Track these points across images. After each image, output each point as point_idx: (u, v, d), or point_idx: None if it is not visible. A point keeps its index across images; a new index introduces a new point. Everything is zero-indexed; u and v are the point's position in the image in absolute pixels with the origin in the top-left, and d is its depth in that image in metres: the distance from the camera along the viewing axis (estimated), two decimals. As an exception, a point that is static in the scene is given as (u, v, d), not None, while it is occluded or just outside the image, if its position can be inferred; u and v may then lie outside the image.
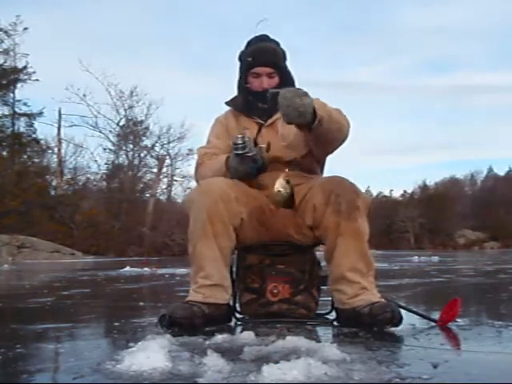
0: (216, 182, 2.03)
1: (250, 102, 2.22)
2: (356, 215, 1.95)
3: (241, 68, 2.25)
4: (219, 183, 2.02)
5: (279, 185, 1.91)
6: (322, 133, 1.94)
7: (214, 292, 1.96)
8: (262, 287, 2.13)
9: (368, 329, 1.85)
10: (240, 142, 1.98)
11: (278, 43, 2.27)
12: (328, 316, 2.15)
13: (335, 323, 2.04)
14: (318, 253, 2.25)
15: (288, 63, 2.26)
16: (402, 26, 63.48)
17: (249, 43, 2.25)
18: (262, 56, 2.17)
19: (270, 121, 2.20)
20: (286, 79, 2.19)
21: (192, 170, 2.40)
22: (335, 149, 2.13)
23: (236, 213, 2.00)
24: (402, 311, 2.16)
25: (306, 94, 1.83)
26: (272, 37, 2.28)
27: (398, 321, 1.87)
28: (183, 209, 2.16)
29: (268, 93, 1.94)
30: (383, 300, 1.94)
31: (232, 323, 2.11)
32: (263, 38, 2.24)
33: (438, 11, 63.31)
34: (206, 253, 1.97)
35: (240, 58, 2.26)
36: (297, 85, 2.20)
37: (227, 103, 2.32)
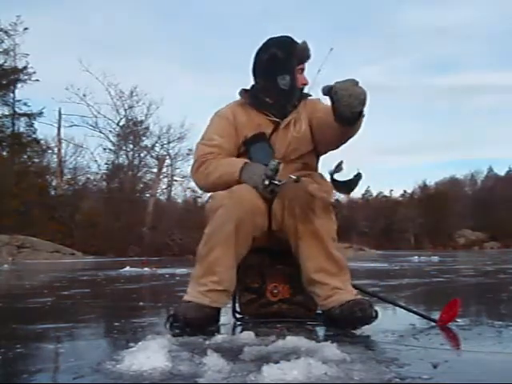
0: (247, 191, 1.99)
1: (283, 95, 2.17)
2: (311, 217, 1.94)
3: (284, 65, 2.16)
4: (251, 194, 1.98)
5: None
6: (356, 127, 1.95)
7: (221, 297, 1.96)
8: (262, 287, 2.13)
9: (367, 328, 1.86)
10: (274, 165, 1.95)
11: None
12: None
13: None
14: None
15: None
16: (402, 26, 63.45)
17: (280, 39, 2.21)
18: (309, 51, 2.20)
19: (286, 120, 2.18)
20: None
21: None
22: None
23: (261, 226, 2.01)
24: (403, 311, 2.16)
25: (358, 82, 1.83)
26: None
27: (370, 319, 1.85)
28: (206, 209, 2.06)
29: (323, 88, 1.86)
30: (358, 298, 1.92)
31: (230, 323, 2.11)
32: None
33: (439, 11, 63.21)
34: (223, 260, 1.94)
35: (270, 53, 2.18)
36: None
37: (241, 94, 2.25)
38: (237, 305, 2.20)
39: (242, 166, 2.04)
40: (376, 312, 1.87)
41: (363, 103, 1.81)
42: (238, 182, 2.03)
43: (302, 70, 2.21)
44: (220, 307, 1.98)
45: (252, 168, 2.02)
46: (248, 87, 2.27)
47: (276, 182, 1.96)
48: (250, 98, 2.23)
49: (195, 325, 1.86)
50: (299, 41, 2.22)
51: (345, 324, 1.87)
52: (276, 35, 2.25)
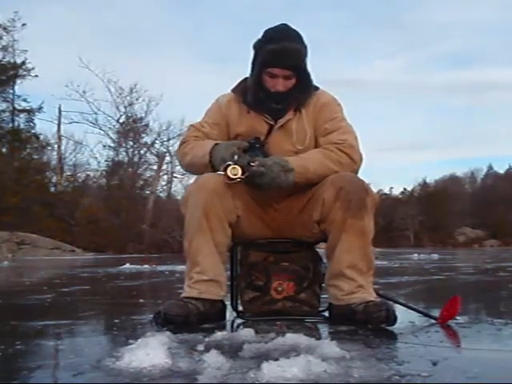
0: (212, 177, 1.99)
1: (262, 100, 2.08)
2: (363, 213, 1.95)
3: (255, 60, 2.08)
4: (215, 179, 1.98)
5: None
6: (306, 181, 2.03)
7: (210, 288, 1.95)
8: (267, 285, 2.11)
9: (367, 326, 1.86)
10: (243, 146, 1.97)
11: (300, 36, 2.08)
12: (325, 313, 2.14)
13: (326, 316, 2.04)
14: (319, 250, 2.25)
15: (308, 60, 2.09)
16: (407, 22, 63.21)
17: (267, 34, 2.07)
18: (281, 57, 2.01)
19: (281, 121, 2.10)
20: (304, 80, 2.09)
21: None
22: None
23: (231, 208, 1.99)
24: (403, 308, 2.16)
25: (291, 169, 1.93)
26: (293, 27, 2.09)
27: (393, 320, 1.86)
28: (181, 204, 2.10)
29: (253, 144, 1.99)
30: (379, 299, 1.94)
31: (230, 320, 2.11)
32: (284, 32, 2.06)
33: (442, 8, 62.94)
34: (201, 248, 1.95)
35: (255, 48, 2.08)
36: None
37: (234, 91, 2.18)
38: (238, 302, 2.20)
39: (212, 146, 2.00)
40: (396, 315, 1.88)
41: (282, 188, 1.96)
42: (208, 165, 2.00)
43: (274, 74, 2.03)
44: (213, 299, 1.95)
45: (221, 146, 1.98)
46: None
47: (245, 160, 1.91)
48: (241, 93, 2.14)
49: (178, 322, 1.84)
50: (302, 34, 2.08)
51: (368, 320, 1.86)
52: (274, 25, 2.09)
